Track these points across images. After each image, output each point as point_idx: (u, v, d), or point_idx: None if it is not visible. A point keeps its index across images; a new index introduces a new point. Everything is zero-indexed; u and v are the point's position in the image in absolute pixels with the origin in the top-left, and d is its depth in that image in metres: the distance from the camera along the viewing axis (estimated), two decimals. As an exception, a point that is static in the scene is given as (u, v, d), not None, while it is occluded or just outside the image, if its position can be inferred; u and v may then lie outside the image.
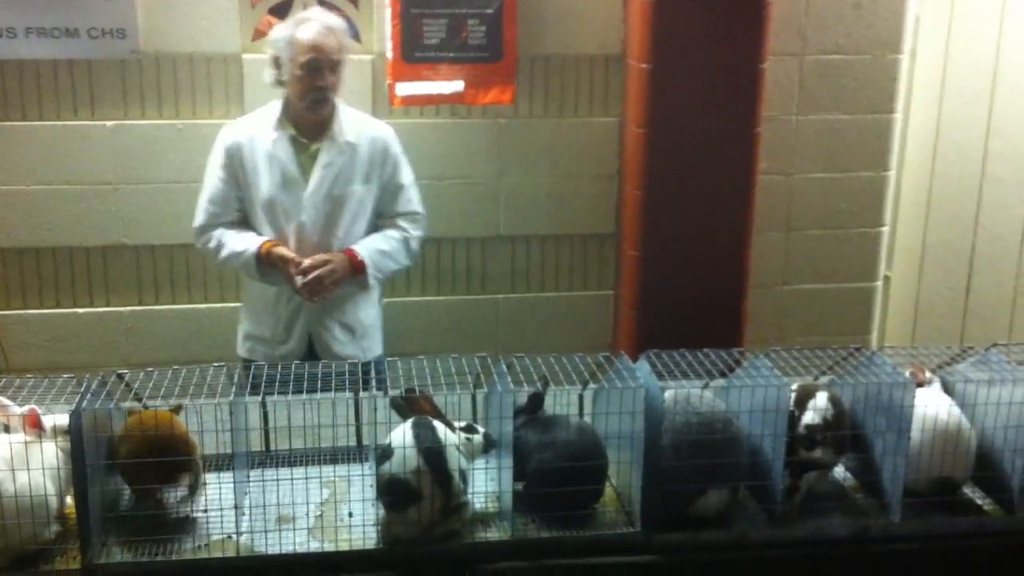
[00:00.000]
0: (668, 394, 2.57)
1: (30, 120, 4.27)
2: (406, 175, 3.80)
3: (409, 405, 2.55)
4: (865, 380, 2.66)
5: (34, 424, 2.46)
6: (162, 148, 4.33)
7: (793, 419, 2.61)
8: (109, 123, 4.30)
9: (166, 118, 4.33)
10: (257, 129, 3.67)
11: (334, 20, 3.65)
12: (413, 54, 4.29)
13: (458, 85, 4.35)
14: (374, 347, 3.90)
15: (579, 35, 4.48)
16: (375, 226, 3.79)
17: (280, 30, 3.62)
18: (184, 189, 4.30)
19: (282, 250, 3.61)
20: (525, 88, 4.50)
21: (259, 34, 4.27)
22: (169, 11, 4.22)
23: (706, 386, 2.73)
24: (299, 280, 3.56)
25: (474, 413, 2.80)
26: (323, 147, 3.64)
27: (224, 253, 3.67)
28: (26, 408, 2.48)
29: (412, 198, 3.81)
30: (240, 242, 3.65)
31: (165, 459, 2.45)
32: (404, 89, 4.30)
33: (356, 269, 3.66)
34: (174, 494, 2.57)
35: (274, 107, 3.68)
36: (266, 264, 3.62)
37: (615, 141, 4.60)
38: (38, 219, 4.35)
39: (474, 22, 4.32)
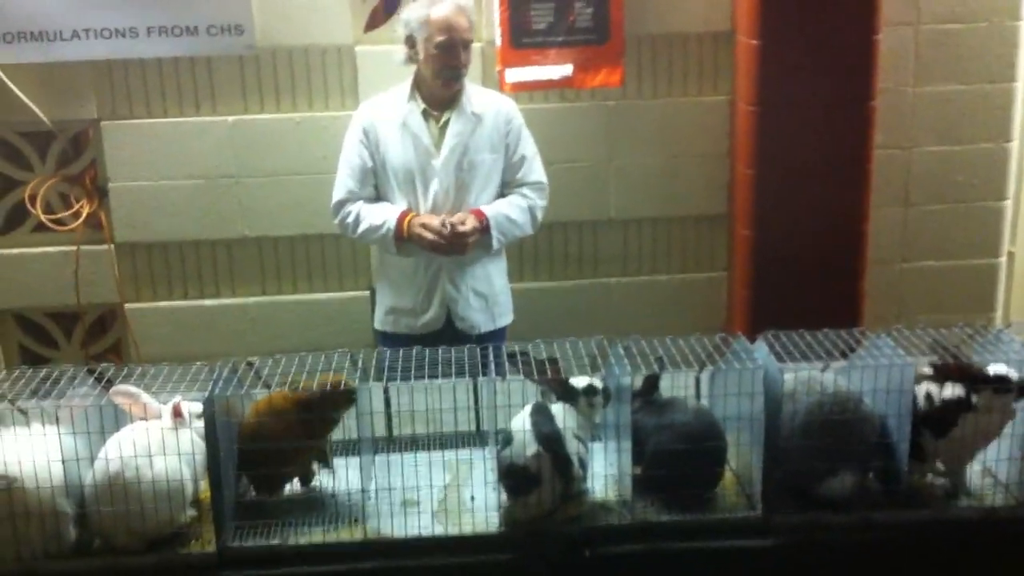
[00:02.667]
0: (788, 375, 2.55)
1: (155, 117, 4.42)
2: (529, 146, 3.90)
3: (538, 372, 2.59)
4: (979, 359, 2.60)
5: (178, 414, 2.57)
6: (281, 141, 4.44)
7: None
8: (230, 118, 4.42)
9: (284, 111, 4.44)
10: (390, 105, 3.81)
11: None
12: (522, 40, 4.31)
13: (567, 69, 4.36)
14: (505, 315, 4.01)
15: (686, 13, 4.45)
16: (501, 195, 3.88)
17: (414, 10, 3.72)
18: (303, 181, 4.41)
19: (422, 219, 3.71)
20: (633, 69, 4.49)
21: (371, 25, 4.36)
22: (283, 6, 4.32)
23: (826, 367, 2.70)
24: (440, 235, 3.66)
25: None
26: (452, 118, 3.76)
27: (362, 227, 3.78)
28: (172, 400, 2.58)
29: (536, 168, 3.92)
30: (378, 215, 3.77)
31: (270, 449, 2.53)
32: (514, 75, 4.33)
33: (482, 229, 3.75)
34: (288, 485, 2.65)
35: (404, 86, 3.81)
36: (405, 238, 3.73)
37: (725, 120, 4.56)
38: (164, 214, 4.49)
39: (581, 5, 4.32)
